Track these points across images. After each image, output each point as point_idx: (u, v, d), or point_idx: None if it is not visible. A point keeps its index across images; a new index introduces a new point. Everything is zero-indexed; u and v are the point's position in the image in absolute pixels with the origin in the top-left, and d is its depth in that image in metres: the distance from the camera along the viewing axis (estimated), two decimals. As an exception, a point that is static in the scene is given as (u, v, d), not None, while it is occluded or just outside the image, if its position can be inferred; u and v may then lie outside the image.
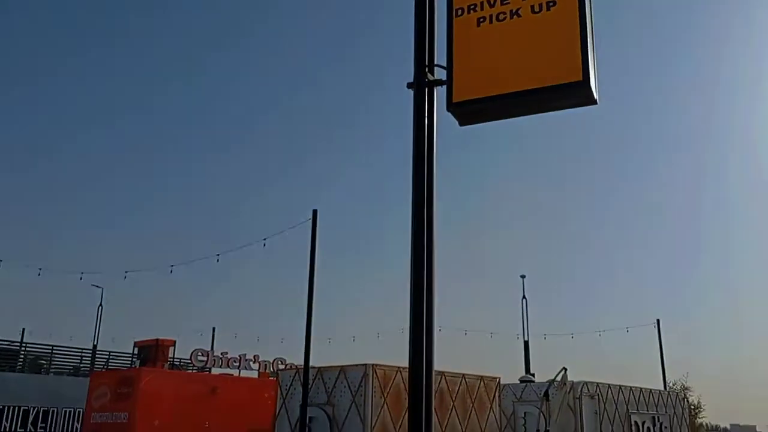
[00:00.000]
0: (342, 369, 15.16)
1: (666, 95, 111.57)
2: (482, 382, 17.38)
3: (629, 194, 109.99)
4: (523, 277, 43.55)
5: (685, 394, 26.93)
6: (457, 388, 16.53)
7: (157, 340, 24.31)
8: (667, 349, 38.81)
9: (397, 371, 15.18)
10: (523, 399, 21.27)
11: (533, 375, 30.18)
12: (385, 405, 14.65)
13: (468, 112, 4.76)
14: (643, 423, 23.16)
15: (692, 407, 44.27)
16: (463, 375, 17.02)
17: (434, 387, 14.68)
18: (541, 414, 20.03)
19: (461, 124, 4.92)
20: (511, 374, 25.60)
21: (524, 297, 43.25)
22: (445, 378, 16.34)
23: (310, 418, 15.02)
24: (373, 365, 14.70)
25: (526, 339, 43.03)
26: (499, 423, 17.66)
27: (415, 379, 4.51)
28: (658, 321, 32.36)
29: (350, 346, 46.57)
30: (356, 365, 14.98)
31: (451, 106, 4.76)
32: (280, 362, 24.93)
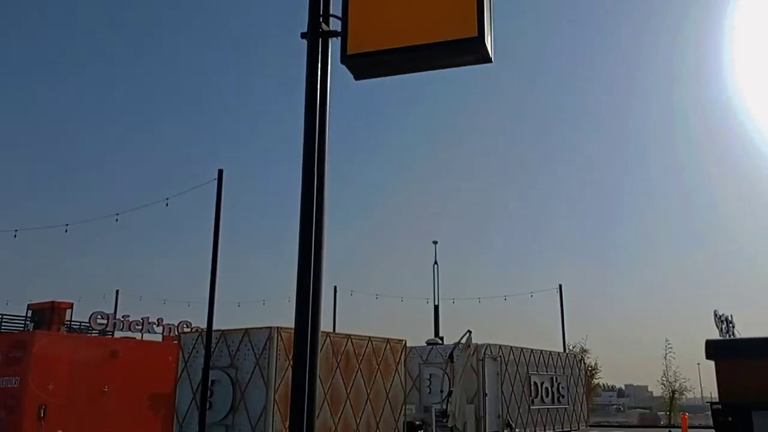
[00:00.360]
0: (246, 332, 14.93)
1: (589, 67, 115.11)
2: (388, 345, 17.57)
3: (544, 163, 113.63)
4: (435, 243, 44.33)
5: (582, 357, 28.24)
6: (363, 351, 16.64)
7: (52, 302, 23.21)
8: (568, 313, 40.65)
9: (302, 334, 15.08)
10: (429, 361, 21.73)
11: (442, 338, 30.90)
12: (290, 368, 14.53)
13: (362, 65, 4.60)
14: (542, 383, 24.18)
15: (589, 368, 46.66)
16: (370, 338, 17.15)
17: (341, 349, 14.53)
18: (446, 375, 20.52)
19: (356, 77, 4.76)
20: (422, 338, 26.22)
21: (435, 262, 44.09)
22: (352, 341, 16.41)
23: (212, 381, 14.76)
24: (278, 328, 14.54)
25: (436, 303, 43.95)
26: (404, 385, 17.95)
27: (299, 339, 4.37)
28: (560, 286, 33.79)
29: (260, 310, 46.23)
30: (260, 328, 14.78)
31: (346, 59, 4.58)
32: (185, 325, 24.38)
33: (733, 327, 24.04)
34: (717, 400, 21.75)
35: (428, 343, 22.68)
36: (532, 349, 23.91)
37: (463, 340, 20.39)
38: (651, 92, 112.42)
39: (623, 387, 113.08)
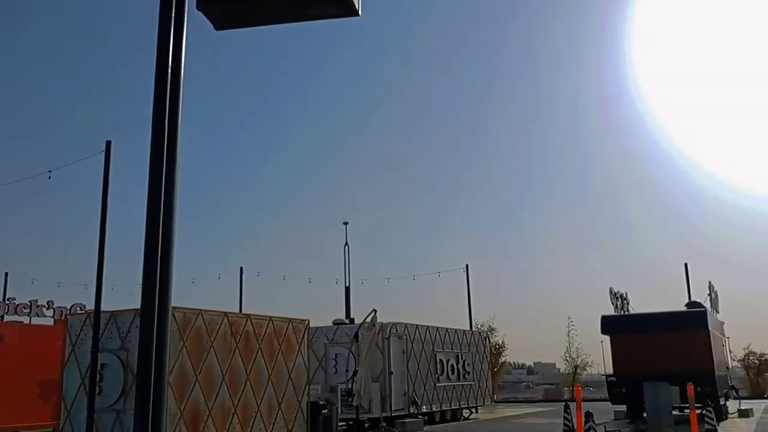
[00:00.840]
0: (137, 312, 14.16)
1: (497, 56, 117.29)
2: (291, 325, 17.26)
3: (454, 148, 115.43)
4: (345, 224, 44.17)
5: (488, 335, 28.88)
6: (263, 331, 16.27)
7: None
8: (476, 293, 41.51)
9: (198, 314, 14.58)
10: (335, 341, 21.60)
11: (353, 319, 30.85)
12: (185, 349, 14.04)
13: (220, 13, 4.26)
14: (448, 361, 24.54)
15: (497, 346, 47.93)
16: (271, 318, 16.79)
17: (240, 330, 13.96)
18: (351, 354, 20.46)
19: (216, 28, 4.42)
20: (332, 318, 26.03)
21: (347, 244, 43.95)
22: (251, 320, 16.01)
23: (102, 364, 14.04)
24: (171, 306, 13.94)
25: (347, 285, 43.88)
26: (307, 364, 17.71)
27: (145, 318, 4.00)
28: (467, 266, 34.37)
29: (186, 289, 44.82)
30: (154, 308, 14.14)
31: (201, 5, 4.23)
32: (79, 308, 23.25)
33: (628, 304, 25.05)
34: (612, 373, 22.74)
35: (335, 323, 22.54)
36: (437, 327, 24.20)
37: (369, 319, 20.37)
38: (557, 87, 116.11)
39: (532, 365, 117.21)
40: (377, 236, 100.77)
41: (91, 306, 23.46)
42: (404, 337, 21.97)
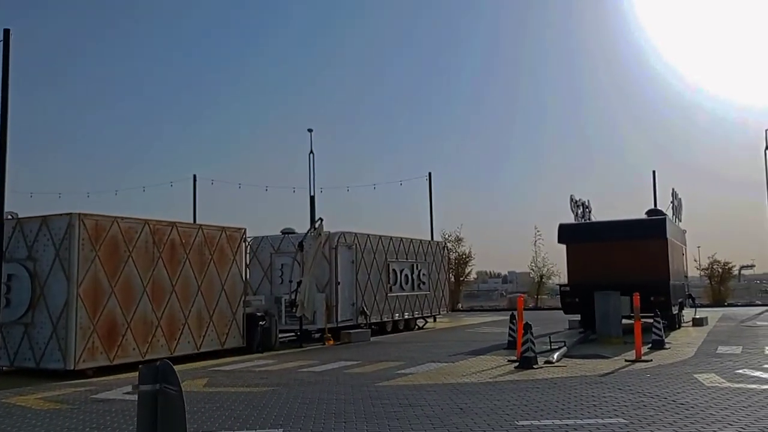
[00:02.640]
0: (44, 219, 13.16)
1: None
2: (224, 234, 16.29)
3: (422, 44, 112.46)
4: (310, 131, 42.68)
5: (446, 245, 28.26)
6: (192, 240, 15.30)
7: None
8: (443, 203, 40.82)
9: (113, 222, 13.51)
10: (281, 251, 20.76)
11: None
12: (98, 259, 13.05)
13: None
14: (402, 271, 23.90)
15: (464, 256, 47.77)
16: (200, 226, 15.79)
17: (164, 239, 12.90)
18: (297, 264, 19.69)
19: None
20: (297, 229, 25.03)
21: (311, 152, 42.63)
22: (178, 229, 14.99)
23: (8, 275, 13.07)
24: (80, 214, 12.87)
25: (312, 194, 42.87)
26: (243, 274, 16.89)
27: None
28: (429, 174, 33.32)
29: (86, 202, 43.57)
30: (60, 215, 13.05)
31: None
32: None
33: (590, 212, 24.36)
34: (566, 283, 22.27)
35: (283, 232, 21.60)
36: (391, 237, 23.41)
37: (314, 229, 19.48)
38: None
39: (507, 274, 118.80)
40: (339, 143, 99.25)
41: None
42: (354, 246, 21.17)
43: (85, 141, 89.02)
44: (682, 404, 8.51)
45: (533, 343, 12.98)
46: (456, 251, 47.72)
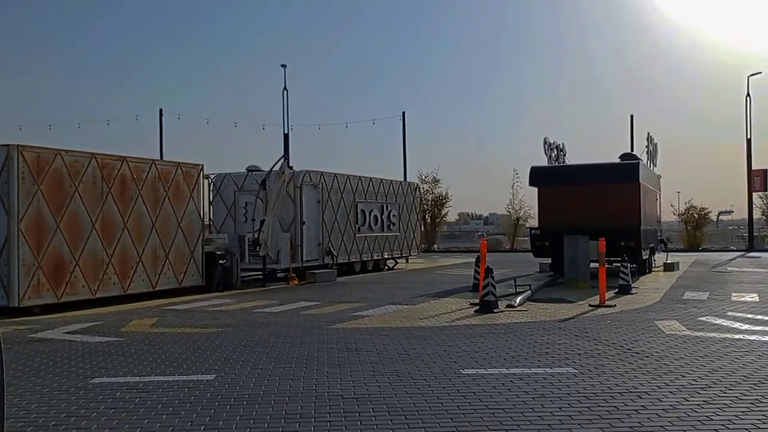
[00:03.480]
0: (11, 148, 12.38)
1: None
2: (180, 169, 15.62)
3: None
4: (283, 66, 41.46)
5: (417, 185, 27.74)
6: (144, 176, 14.63)
7: None
8: (419, 144, 40.11)
9: (56, 154, 12.79)
10: (245, 189, 20.16)
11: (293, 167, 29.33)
12: (40, 193, 12.39)
13: None
14: (370, 211, 23.45)
15: (440, 198, 47.42)
16: (153, 161, 15.08)
17: (113, 173, 12.17)
18: (261, 202, 19.13)
19: None
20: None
21: (285, 88, 41.51)
22: (128, 163, 14.30)
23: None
24: (18, 146, 12.13)
25: (286, 132, 42.00)
26: (201, 212, 16.32)
27: None
28: (403, 113, 32.51)
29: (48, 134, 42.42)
30: (1, 146, 12.30)
31: None
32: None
33: (564, 155, 23.87)
34: (537, 226, 21.99)
35: (248, 169, 20.93)
36: (359, 177, 22.85)
37: (277, 167, 18.85)
38: None
39: (488, 215, 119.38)
40: (311, 79, 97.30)
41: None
42: (320, 186, 20.60)
43: (49, 69, 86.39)
44: (637, 353, 8.23)
45: (494, 287, 12.67)
46: (432, 192, 47.35)
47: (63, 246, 12.74)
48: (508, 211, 49.61)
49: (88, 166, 13.32)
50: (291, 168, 19.42)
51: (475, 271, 16.79)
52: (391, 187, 24.99)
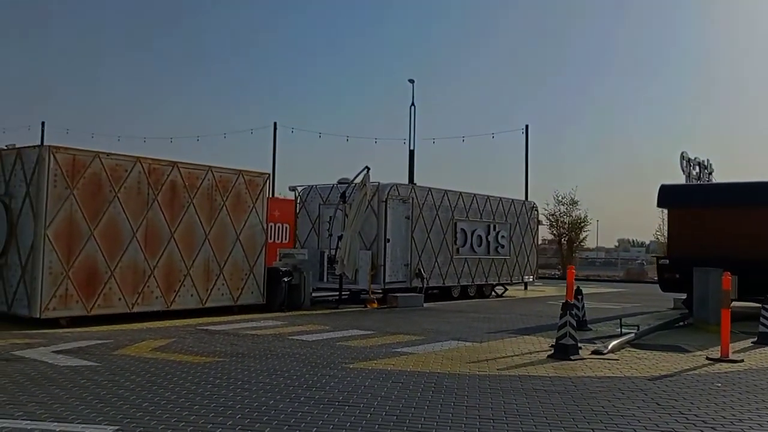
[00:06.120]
0: (19, 152, 11.91)
1: None
2: (242, 178, 14.48)
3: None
4: (411, 82, 40.11)
5: (534, 204, 25.00)
6: (198, 183, 13.61)
7: None
8: (552, 160, 36.99)
9: (94, 157, 12.02)
10: (330, 202, 18.76)
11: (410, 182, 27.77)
12: (73, 197, 11.64)
13: None
14: (473, 231, 21.20)
15: (578, 221, 43.76)
16: (210, 167, 14.00)
17: (162, 179, 11.16)
18: (341, 216, 17.66)
19: None
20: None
21: (413, 104, 40.14)
22: (180, 169, 13.32)
23: (-11, 211, 12.00)
24: (50, 146, 11.47)
25: (411, 148, 40.57)
26: (264, 223, 15.02)
27: None
28: (526, 126, 29.71)
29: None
30: (32, 147, 11.75)
31: None
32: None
33: (709, 173, 20.26)
34: (665, 255, 18.64)
35: (339, 182, 19.55)
36: (460, 193, 20.69)
37: (359, 179, 17.29)
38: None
39: (650, 243, 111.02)
40: (439, 94, 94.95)
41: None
42: (410, 201, 18.74)
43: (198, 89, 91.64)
44: (726, 444, 5.57)
45: (573, 328, 10.13)
46: (570, 215, 43.85)
47: (97, 255, 11.91)
48: (656, 238, 44.88)
49: (131, 170, 12.48)
50: (366, 175, 17.61)
51: (575, 306, 14.17)
52: (500, 205, 22.55)
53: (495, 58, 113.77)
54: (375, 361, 9.14)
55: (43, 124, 35.44)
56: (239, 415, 5.98)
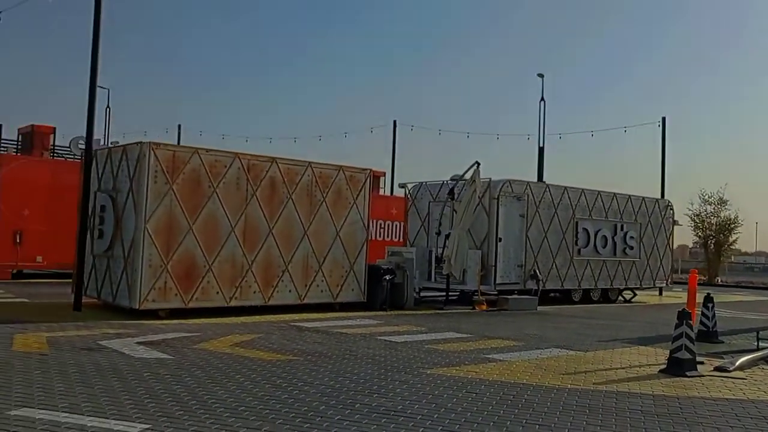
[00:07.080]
0: (124, 149, 12.33)
1: None
2: (342, 173, 14.22)
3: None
4: (541, 76, 38.43)
5: (669, 203, 22.83)
6: (298, 179, 13.50)
7: (32, 126, 22.19)
8: (700, 157, 33.93)
9: (193, 153, 12.21)
10: (440, 199, 18.12)
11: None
12: (173, 193, 11.87)
13: None
14: (597, 231, 19.72)
15: (728, 222, 40.07)
16: (310, 164, 13.83)
17: (261, 174, 11.29)
18: (454, 213, 16.98)
19: None
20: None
21: (542, 99, 38.44)
22: (279, 165, 13.27)
23: (101, 206, 12.57)
24: (150, 143, 11.75)
25: (541, 145, 38.90)
26: (365, 220, 14.65)
27: None
28: (663, 119, 27.31)
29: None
30: (135, 144, 12.10)
31: None
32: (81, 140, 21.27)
33: None
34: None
35: (452, 179, 18.85)
36: (582, 190, 19.29)
37: (468, 175, 16.54)
38: None
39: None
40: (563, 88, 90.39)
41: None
42: (525, 198, 17.68)
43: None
44: None
45: (690, 340, 8.85)
46: (717, 216, 40.20)
47: (196, 249, 12.09)
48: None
49: (230, 166, 12.57)
50: (476, 171, 16.74)
51: (702, 313, 12.66)
52: (629, 203, 20.82)
53: (623, 47, 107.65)
54: (457, 368, 8.45)
55: (179, 126, 37.60)
56: (280, 421, 5.56)
